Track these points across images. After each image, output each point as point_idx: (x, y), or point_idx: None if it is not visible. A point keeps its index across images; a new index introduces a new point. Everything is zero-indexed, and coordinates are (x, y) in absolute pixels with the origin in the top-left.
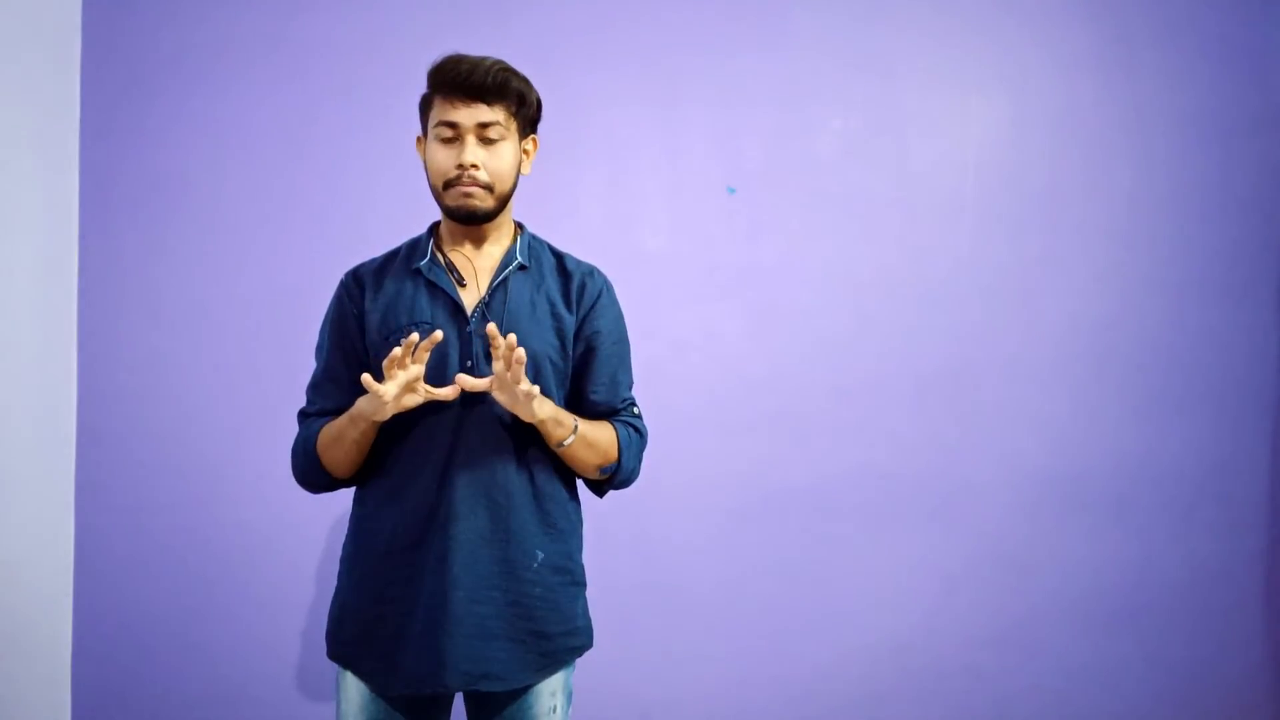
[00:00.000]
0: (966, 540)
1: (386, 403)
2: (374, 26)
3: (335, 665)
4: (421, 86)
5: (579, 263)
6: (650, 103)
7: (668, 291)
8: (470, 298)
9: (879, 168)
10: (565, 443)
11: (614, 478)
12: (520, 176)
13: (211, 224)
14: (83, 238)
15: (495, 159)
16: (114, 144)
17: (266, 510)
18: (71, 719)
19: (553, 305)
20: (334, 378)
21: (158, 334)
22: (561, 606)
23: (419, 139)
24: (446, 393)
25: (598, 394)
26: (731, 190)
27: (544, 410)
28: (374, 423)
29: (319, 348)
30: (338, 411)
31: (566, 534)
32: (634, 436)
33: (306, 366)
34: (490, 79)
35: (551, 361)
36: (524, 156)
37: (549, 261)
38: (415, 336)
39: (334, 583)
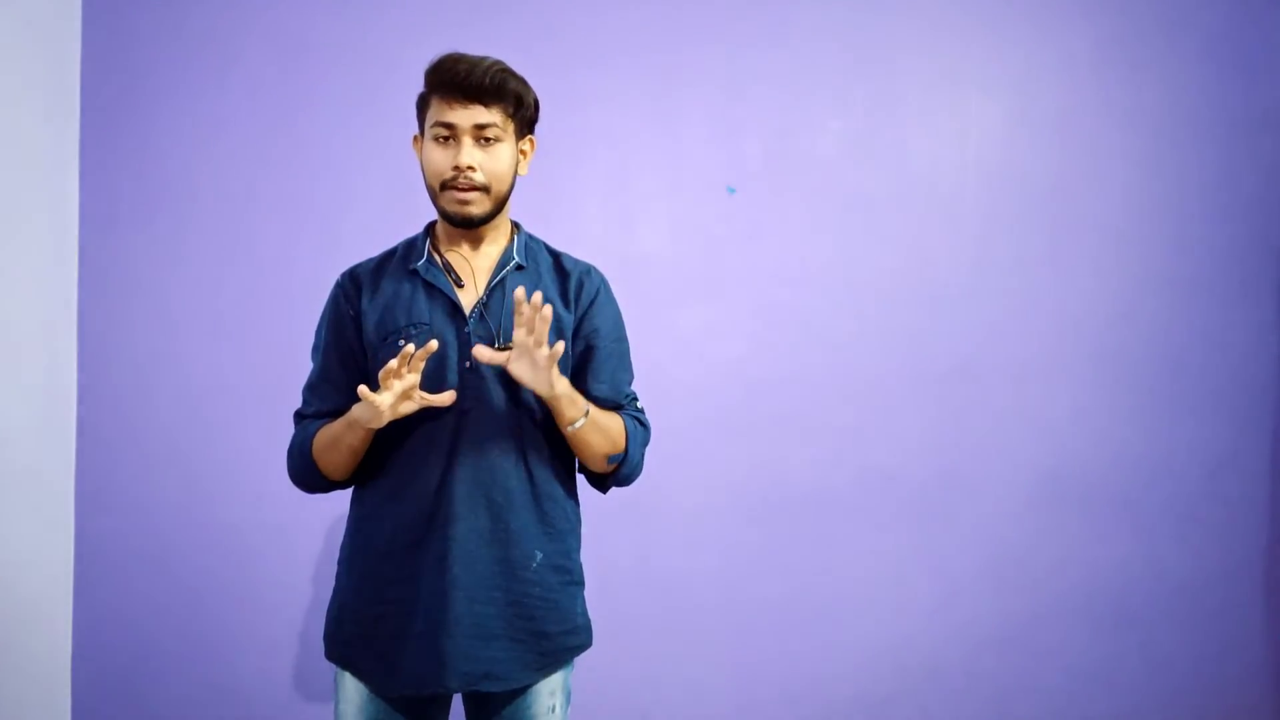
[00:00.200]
0: (967, 540)
1: (382, 411)
2: (375, 26)
3: (334, 665)
4: (422, 86)
5: (576, 261)
6: (650, 102)
7: (668, 291)
8: (468, 298)
9: (879, 168)
10: (577, 424)
11: (620, 469)
12: (517, 177)
13: (211, 224)
14: (83, 238)
15: (492, 161)
16: (114, 144)
17: (266, 510)
18: (71, 719)
19: (551, 304)
20: (331, 379)
21: (158, 334)
22: (561, 606)
23: (415, 138)
24: (443, 399)
25: (600, 391)
26: (731, 190)
27: (561, 385)
28: (370, 429)
29: (315, 348)
30: (334, 413)
31: (565, 533)
32: (639, 429)
33: (306, 366)
34: (488, 80)
35: None
36: (521, 157)
37: (546, 261)
38: (411, 347)
39: (333, 583)
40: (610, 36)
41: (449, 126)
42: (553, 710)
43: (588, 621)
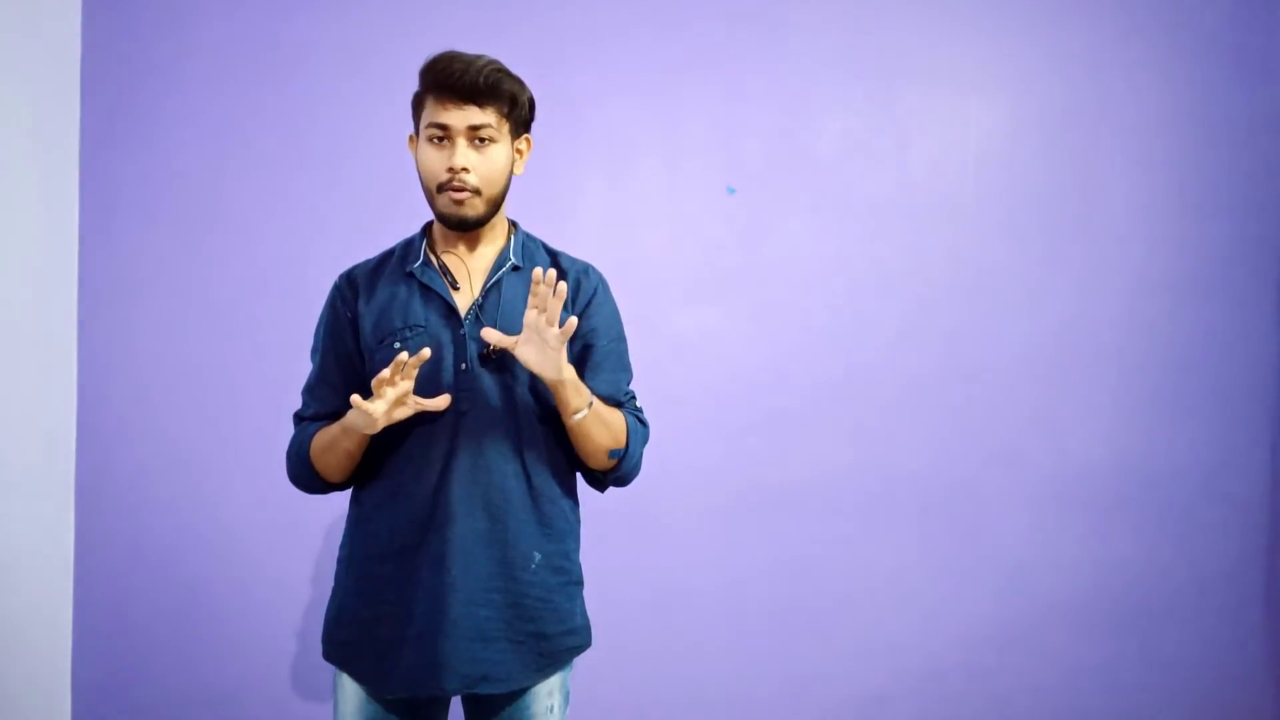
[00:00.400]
0: (967, 540)
1: (376, 419)
2: (374, 26)
3: (332, 666)
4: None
5: (573, 260)
6: (650, 103)
7: (668, 291)
8: (464, 300)
9: (879, 168)
10: (582, 413)
11: (620, 466)
12: (513, 176)
13: (211, 224)
14: (83, 238)
15: (486, 162)
16: (114, 144)
17: (266, 510)
18: (71, 719)
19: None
20: (328, 381)
21: (158, 334)
22: (560, 606)
23: (411, 138)
24: (437, 403)
25: (599, 390)
26: (731, 190)
27: (569, 370)
28: (366, 434)
29: (314, 351)
30: (332, 415)
31: (564, 534)
32: (640, 427)
33: (306, 367)
34: (482, 80)
35: None
36: (517, 156)
37: (543, 260)
38: (404, 356)
39: (332, 583)
40: (611, 37)
41: (443, 128)
42: (551, 711)
43: (587, 622)
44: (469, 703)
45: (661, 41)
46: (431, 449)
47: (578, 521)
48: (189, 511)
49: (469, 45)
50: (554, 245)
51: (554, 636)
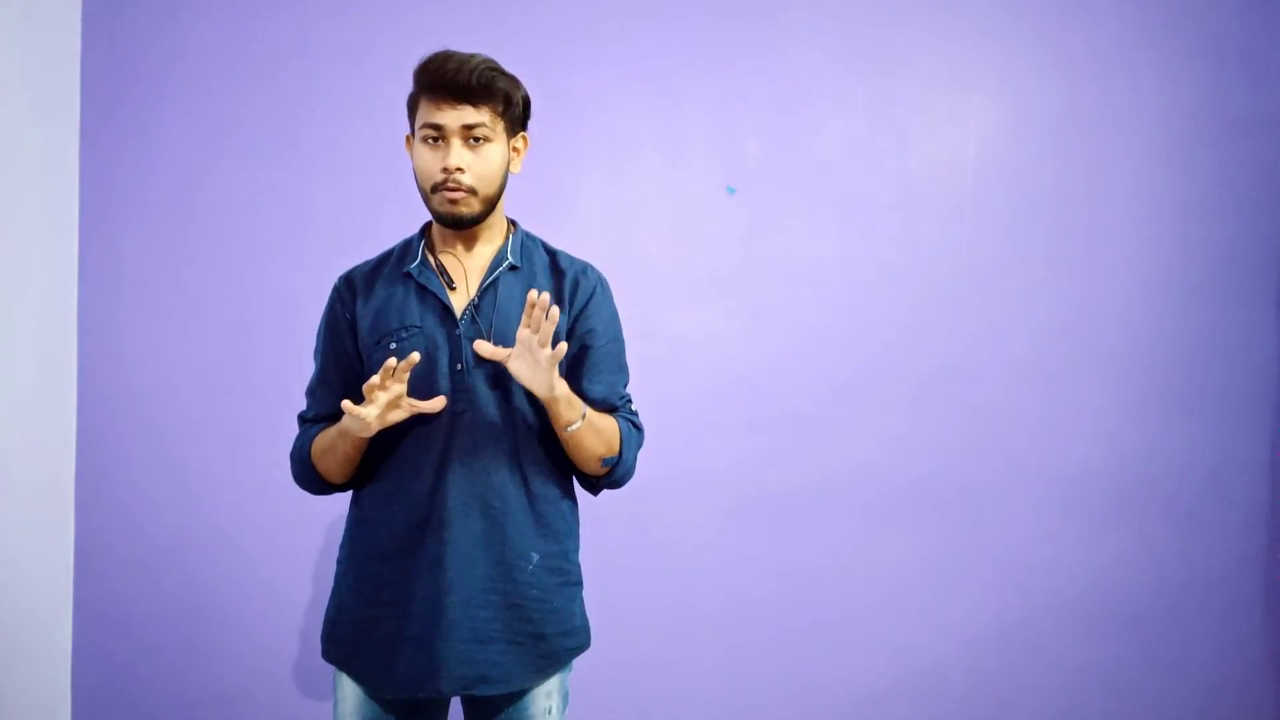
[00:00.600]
0: (968, 540)
1: (369, 423)
2: (373, 26)
3: (331, 666)
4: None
5: (572, 260)
6: (650, 102)
7: (667, 291)
8: (460, 300)
9: (879, 168)
10: (574, 426)
11: (613, 471)
12: (510, 175)
13: (211, 224)
14: (83, 238)
15: (481, 161)
16: (114, 144)
17: (265, 510)
18: (71, 719)
19: (557, 307)
20: (329, 383)
21: (158, 334)
22: (558, 607)
23: (407, 138)
24: (432, 405)
25: (595, 392)
26: (731, 190)
27: (560, 387)
28: (362, 437)
29: (315, 351)
30: (334, 416)
31: (562, 534)
32: (634, 432)
33: (306, 367)
34: (475, 79)
35: None
36: (513, 155)
37: (542, 260)
38: (392, 361)
39: (332, 583)
40: (610, 36)
41: (437, 128)
42: (550, 712)
43: (586, 623)
44: (468, 703)
45: (661, 40)
46: (428, 450)
47: (577, 522)
48: (189, 511)
49: (469, 45)
50: (553, 244)
51: (552, 637)
